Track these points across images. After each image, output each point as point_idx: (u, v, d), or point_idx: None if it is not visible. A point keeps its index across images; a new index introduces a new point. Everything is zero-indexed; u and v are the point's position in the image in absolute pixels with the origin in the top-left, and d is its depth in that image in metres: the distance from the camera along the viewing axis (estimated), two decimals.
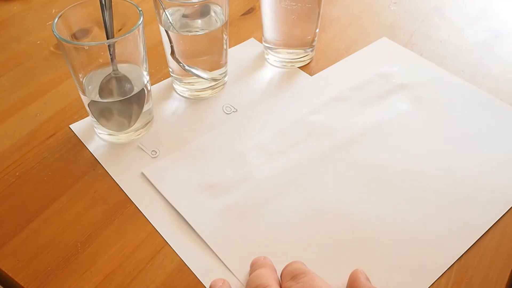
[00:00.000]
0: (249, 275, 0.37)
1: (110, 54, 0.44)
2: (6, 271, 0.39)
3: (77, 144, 0.49)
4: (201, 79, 0.51)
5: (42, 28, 0.63)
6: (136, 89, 0.46)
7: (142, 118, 0.48)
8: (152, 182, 0.45)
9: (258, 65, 0.58)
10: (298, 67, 0.57)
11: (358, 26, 0.64)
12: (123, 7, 0.44)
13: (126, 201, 0.44)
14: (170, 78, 0.55)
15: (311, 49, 0.57)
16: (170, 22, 0.48)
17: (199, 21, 0.50)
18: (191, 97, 0.53)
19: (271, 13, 0.53)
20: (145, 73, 0.46)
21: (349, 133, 0.49)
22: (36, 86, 0.55)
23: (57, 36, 0.41)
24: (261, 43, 0.59)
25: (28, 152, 0.48)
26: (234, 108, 0.52)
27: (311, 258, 0.38)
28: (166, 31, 0.47)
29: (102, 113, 0.47)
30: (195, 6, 0.48)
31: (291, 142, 0.48)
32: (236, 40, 0.61)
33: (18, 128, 0.50)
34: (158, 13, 0.48)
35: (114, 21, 0.44)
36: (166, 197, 0.43)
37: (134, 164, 0.46)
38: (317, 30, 0.55)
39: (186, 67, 0.49)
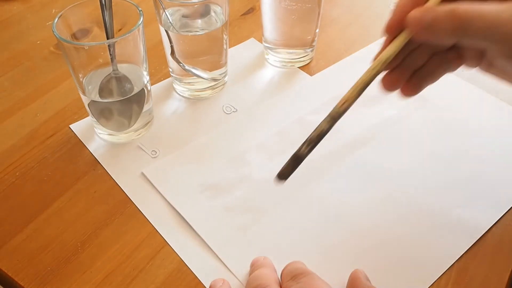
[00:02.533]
0: (249, 275, 0.37)
1: (110, 54, 0.44)
2: (6, 271, 0.39)
3: (77, 144, 0.49)
4: (201, 79, 0.51)
5: (42, 28, 0.63)
6: (136, 89, 0.46)
7: (142, 118, 0.48)
8: (152, 182, 0.45)
9: (258, 65, 0.58)
10: (298, 67, 0.57)
11: (358, 26, 0.64)
12: (123, 7, 0.44)
13: (126, 201, 0.44)
14: (170, 78, 0.55)
15: (311, 49, 0.57)
16: (170, 22, 0.48)
17: (199, 21, 0.50)
18: (191, 97, 0.53)
19: (271, 13, 0.53)
20: (145, 73, 0.46)
21: (349, 133, 0.49)
22: (36, 86, 0.55)
23: (57, 36, 0.41)
24: (261, 43, 0.59)
25: (28, 152, 0.48)
26: (234, 108, 0.52)
27: (311, 258, 0.38)
28: (166, 31, 0.47)
29: (102, 113, 0.47)
30: (195, 6, 0.48)
31: (291, 142, 0.48)
32: (236, 40, 0.61)
33: (18, 128, 0.50)
34: (158, 13, 0.48)
35: (114, 21, 0.44)
36: (166, 197, 0.43)
37: (134, 164, 0.46)
38: (317, 30, 0.55)
39: (186, 67, 0.49)
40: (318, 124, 0.36)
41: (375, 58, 0.37)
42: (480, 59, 0.39)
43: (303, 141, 0.37)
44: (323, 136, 0.36)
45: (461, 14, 0.32)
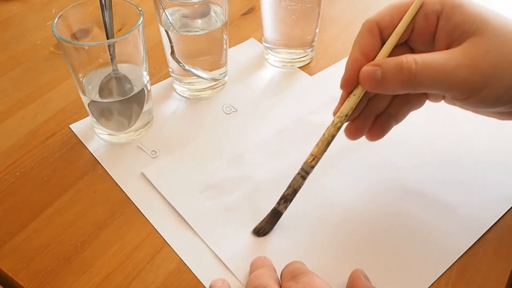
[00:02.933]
0: (249, 275, 0.37)
1: (110, 54, 0.44)
2: (6, 271, 0.39)
3: (77, 144, 0.49)
4: (201, 79, 0.51)
5: (42, 28, 0.64)
6: (136, 89, 0.46)
7: (142, 118, 0.48)
8: (152, 182, 0.45)
9: (258, 65, 0.58)
10: (298, 67, 0.57)
11: (358, 26, 0.63)
12: (123, 7, 0.44)
13: (126, 201, 0.44)
14: (170, 78, 0.55)
15: (311, 49, 0.57)
16: (170, 22, 0.48)
17: (199, 21, 0.50)
18: (191, 97, 0.53)
19: (271, 13, 0.53)
20: (145, 73, 0.46)
21: None
22: (36, 86, 0.55)
23: (57, 36, 0.41)
24: (261, 43, 0.59)
25: (28, 152, 0.48)
26: (234, 108, 0.52)
27: (311, 258, 0.38)
28: (166, 31, 0.47)
29: (102, 113, 0.47)
30: (195, 6, 0.48)
31: (291, 142, 0.48)
32: (236, 40, 0.61)
33: (18, 128, 0.50)
34: (158, 13, 0.48)
35: (114, 21, 0.44)
36: (166, 197, 0.43)
37: (134, 164, 0.46)
38: (317, 30, 0.56)
39: (186, 67, 0.49)
40: (291, 180, 0.39)
41: (334, 113, 0.38)
42: (443, 96, 0.40)
43: (280, 197, 0.40)
44: (298, 191, 0.39)
45: (408, 67, 0.33)
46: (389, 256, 0.39)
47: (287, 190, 0.39)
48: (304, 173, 0.39)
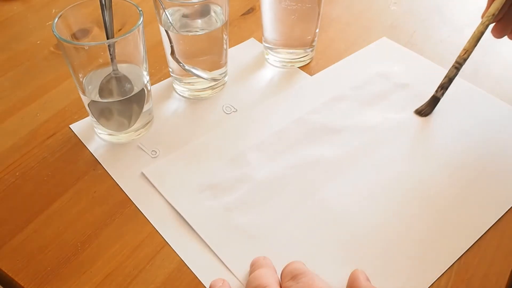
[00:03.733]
0: (249, 275, 0.37)
1: (110, 54, 0.44)
2: (6, 271, 0.39)
3: (77, 144, 0.49)
4: (201, 79, 0.51)
5: (42, 28, 0.64)
6: (136, 89, 0.46)
7: (142, 118, 0.48)
8: (152, 182, 0.45)
9: (258, 65, 0.58)
10: (298, 67, 0.57)
11: (358, 26, 0.64)
12: (123, 7, 0.44)
13: (126, 201, 0.44)
14: (170, 78, 0.55)
15: (311, 49, 0.57)
16: (170, 22, 0.48)
17: (199, 21, 0.50)
18: (191, 97, 0.53)
19: (271, 13, 0.53)
20: (145, 73, 0.46)
21: (349, 133, 0.49)
22: (36, 86, 0.55)
23: (57, 36, 0.41)
24: (261, 43, 0.59)
25: (28, 152, 0.48)
26: (234, 108, 0.52)
27: (311, 258, 0.38)
28: (166, 31, 0.47)
29: (102, 113, 0.47)
30: (195, 6, 0.48)
31: (291, 142, 0.48)
32: (236, 40, 0.61)
33: (18, 128, 0.50)
34: (158, 13, 0.48)
35: (114, 21, 0.44)
36: (166, 197, 0.43)
37: (134, 164, 0.46)
38: (317, 30, 0.55)
39: (186, 67, 0.49)
40: (447, 71, 0.48)
41: (483, 15, 0.47)
42: None
43: (437, 86, 0.49)
44: (452, 81, 0.48)
45: None
46: (389, 256, 0.39)
47: (444, 79, 0.48)
48: (457, 65, 0.47)
